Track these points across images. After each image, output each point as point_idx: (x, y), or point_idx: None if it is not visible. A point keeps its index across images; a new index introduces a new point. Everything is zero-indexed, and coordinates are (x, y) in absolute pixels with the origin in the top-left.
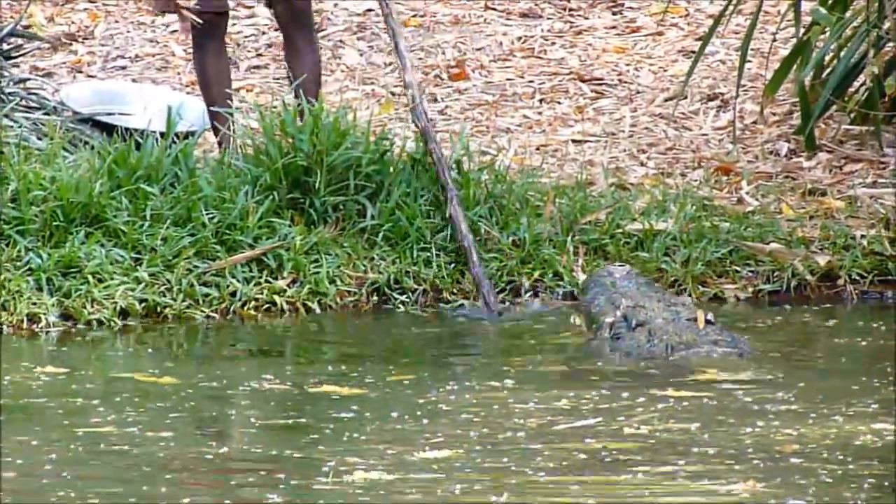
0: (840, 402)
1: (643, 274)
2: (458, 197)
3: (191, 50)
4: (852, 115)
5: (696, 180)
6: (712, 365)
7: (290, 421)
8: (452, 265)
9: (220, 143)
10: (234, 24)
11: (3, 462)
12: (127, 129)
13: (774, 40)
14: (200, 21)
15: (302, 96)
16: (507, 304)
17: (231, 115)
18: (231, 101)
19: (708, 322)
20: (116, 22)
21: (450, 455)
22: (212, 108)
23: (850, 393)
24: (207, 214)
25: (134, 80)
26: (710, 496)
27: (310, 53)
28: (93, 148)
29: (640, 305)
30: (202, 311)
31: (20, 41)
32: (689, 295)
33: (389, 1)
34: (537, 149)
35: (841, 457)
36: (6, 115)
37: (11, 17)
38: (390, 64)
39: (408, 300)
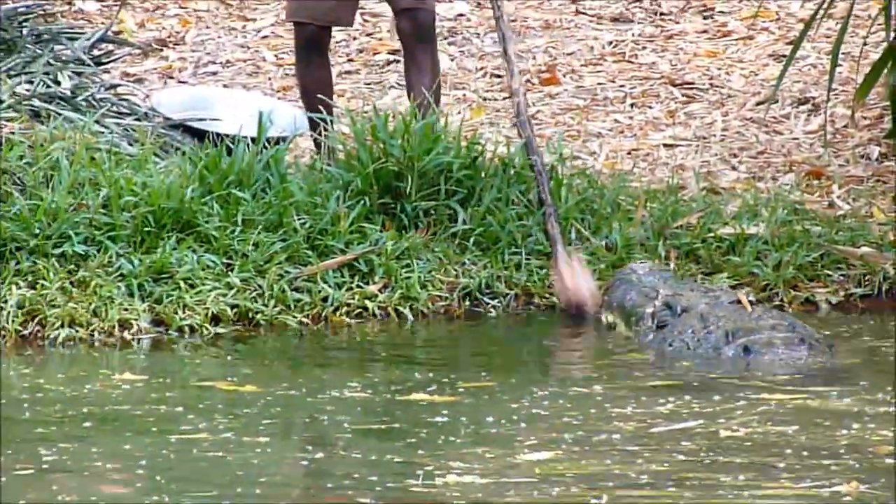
0: None
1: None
2: (556, 214)
3: (283, 56)
4: None
5: (787, 184)
6: (791, 366)
7: (384, 426)
8: (543, 269)
9: (318, 148)
10: None
11: (94, 466)
12: (218, 134)
13: (865, 44)
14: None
15: (418, 110)
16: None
17: (328, 122)
18: (331, 111)
19: (752, 303)
20: (207, 27)
21: (547, 457)
22: (310, 115)
23: None
24: (299, 219)
25: (225, 86)
26: (813, 499)
27: (429, 68)
28: (184, 154)
29: (678, 293)
30: (294, 317)
31: (111, 47)
32: (781, 300)
33: (502, 3)
34: (628, 153)
35: None
36: (97, 121)
37: (102, 23)
38: (481, 69)
39: (499, 305)
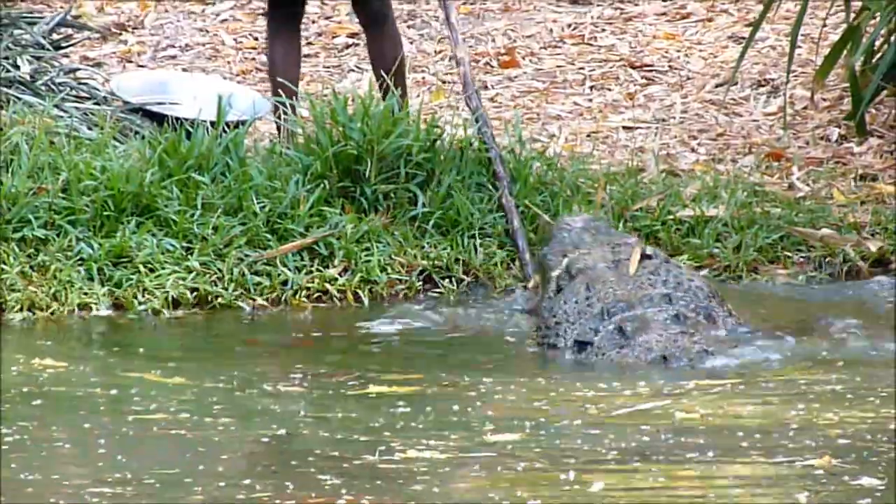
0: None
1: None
2: (509, 186)
3: (242, 40)
4: None
5: (746, 166)
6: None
7: (341, 414)
8: (504, 251)
9: (278, 130)
10: None
11: (56, 447)
12: (177, 118)
13: (824, 26)
14: None
15: (392, 88)
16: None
17: (284, 104)
18: (296, 91)
19: (646, 257)
20: (166, 11)
21: (510, 439)
22: (274, 99)
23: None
24: (258, 203)
25: (184, 70)
26: (788, 473)
27: (391, 47)
28: (143, 138)
29: (583, 253)
30: (253, 300)
31: (70, 31)
32: (741, 279)
33: None
34: (588, 136)
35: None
36: (57, 106)
37: (61, 7)
38: (440, 52)
39: (456, 287)
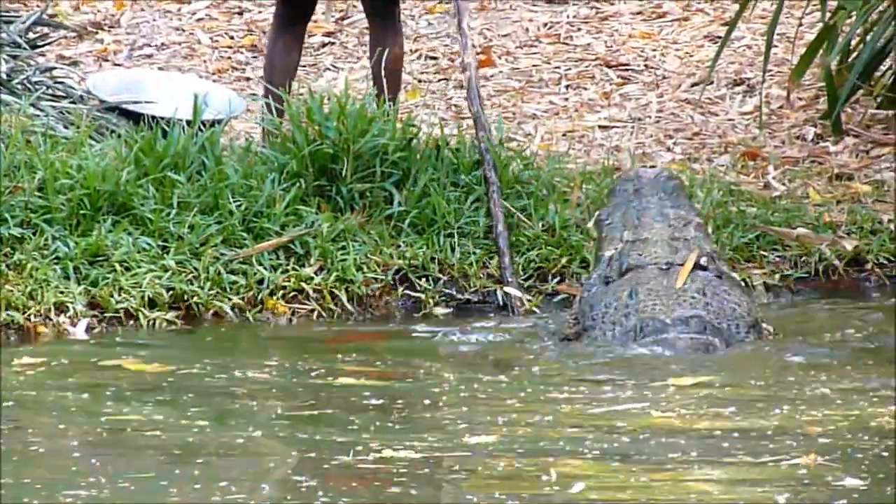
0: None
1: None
2: (499, 190)
3: (218, 39)
4: (879, 100)
5: (722, 165)
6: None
7: (316, 412)
8: (480, 250)
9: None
10: (261, 13)
11: (29, 450)
12: (153, 117)
13: (800, 25)
14: None
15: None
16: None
17: (270, 106)
18: (288, 91)
19: (700, 268)
20: (142, 10)
21: (488, 440)
22: (264, 100)
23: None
24: (234, 202)
25: (160, 69)
26: (774, 472)
27: (393, 48)
28: (119, 136)
29: (639, 240)
30: (229, 299)
31: (46, 30)
32: None
33: None
34: (564, 135)
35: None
36: (33, 104)
37: (37, 6)
38: (416, 51)
39: (431, 287)
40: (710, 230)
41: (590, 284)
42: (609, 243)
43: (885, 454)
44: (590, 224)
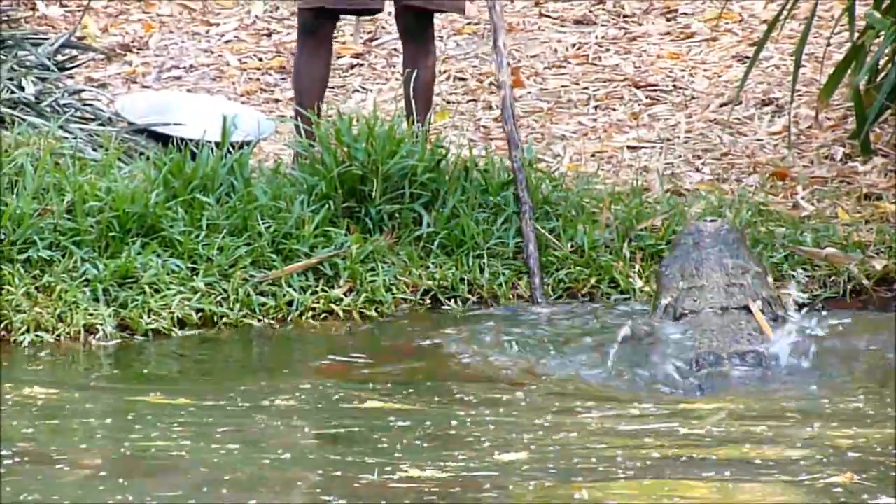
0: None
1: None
2: (532, 211)
3: (246, 60)
4: None
5: (751, 185)
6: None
7: (343, 430)
8: (510, 271)
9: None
10: (289, 34)
11: (57, 469)
12: (182, 139)
13: (829, 45)
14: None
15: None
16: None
17: (299, 129)
18: (319, 107)
19: (763, 312)
20: (171, 32)
21: (516, 458)
22: (295, 123)
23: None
24: (263, 224)
25: (188, 91)
26: (810, 489)
27: (425, 68)
28: (148, 158)
29: (695, 286)
30: (259, 321)
31: (74, 52)
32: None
33: None
34: (592, 155)
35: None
36: (61, 127)
37: (66, 29)
38: (444, 72)
39: (461, 307)
40: (770, 279)
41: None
42: (666, 292)
43: None
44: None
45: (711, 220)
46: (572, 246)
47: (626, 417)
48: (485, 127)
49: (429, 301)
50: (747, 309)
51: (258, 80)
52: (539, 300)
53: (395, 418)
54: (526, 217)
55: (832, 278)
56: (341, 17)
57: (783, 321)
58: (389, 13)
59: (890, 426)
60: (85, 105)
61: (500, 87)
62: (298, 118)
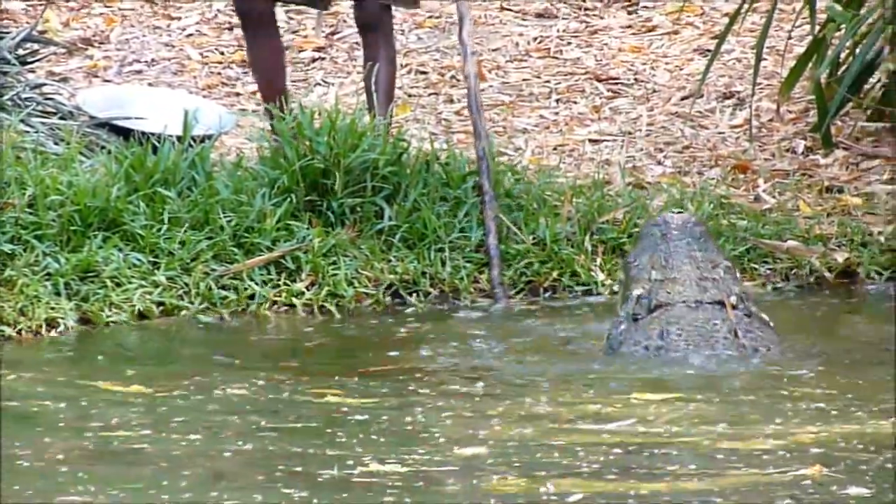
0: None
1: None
2: (493, 202)
3: (208, 54)
4: (868, 112)
5: (713, 179)
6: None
7: (300, 424)
8: (471, 265)
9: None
10: None
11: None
12: (143, 133)
13: (790, 38)
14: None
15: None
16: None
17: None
18: (285, 91)
19: (732, 307)
20: (132, 26)
21: (476, 452)
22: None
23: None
24: (225, 217)
25: (150, 85)
26: (778, 483)
27: (385, 60)
28: (109, 152)
29: (668, 279)
30: (220, 314)
31: (36, 46)
32: None
33: None
34: (554, 149)
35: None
36: (23, 121)
37: (27, 23)
38: (406, 66)
39: (422, 301)
40: (738, 273)
41: (618, 322)
42: (636, 283)
43: (889, 465)
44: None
45: (678, 213)
46: (534, 239)
47: (585, 411)
48: (446, 120)
49: (389, 297)
50: (721, 304)
51: (219, 73)
52: (498, 293)
53: (351, 412)
54: (487, 208)
55: (794, 271)
56: (286, 4)
57: (755, 318)
58: (351, 6)
59: (854, 421)
60: (46, 99)
61: (466, 76)
62: (267, 100)
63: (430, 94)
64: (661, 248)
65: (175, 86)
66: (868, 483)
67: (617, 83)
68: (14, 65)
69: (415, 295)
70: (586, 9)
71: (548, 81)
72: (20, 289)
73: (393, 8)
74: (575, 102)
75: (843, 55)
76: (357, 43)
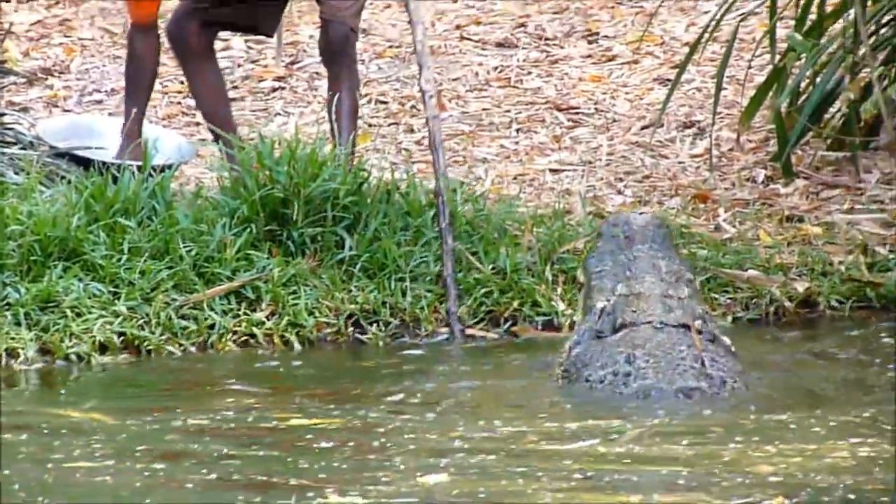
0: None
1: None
2: (450, 232)
3: (167, 84)
4: (829, 142)
5: (673, 208)
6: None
7: (262, 452)
8: (431, 294)
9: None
10: None
11: None
12: (103, 163)
13: (750, 67)
14: None
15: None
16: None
17: (225, 149)
18: (229, 118)
19: (697, 332)
20: (92, 56)
21: (439, 480)
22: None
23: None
24: (185, 247)
25: (110, 114)
26: None
27: (349, 91)
28: (70, 182)
29: (633, 293)
30: (180, 345)
31: None
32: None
33: (419, 30)
34: (514, 178)
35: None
36: None
37: None
38: (366, 95)
39: (382, 332)
40: (698, 285)
41: (580, 335)
42: (599, 293)
43: (851, 495)
44: (578, 272)
45: (640, 213)
46: (494, 269)
47: (547, 436)
48: (406, 150)
49: (350, 326)
50: (686, 327)
51: (179, 103)
52: (454, 327)
53: (314, 438)
54: (445, 243)
55: (754, 300)
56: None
57: (719, 342)
58: (311, 36)
59: (814, 450)
60: (6, 129)
61: (423, 93)
62: (218, 139)
63: (390, 124)
64: (625, 254)
65: None
66: None
67: (577, 113)
68: None
69: (375, 325)
70: (546, 38)
71: (508, 111)
72: None
73: (359, 38)
74: (535, 132)
75: (803, 84)
76: (317, 73)
